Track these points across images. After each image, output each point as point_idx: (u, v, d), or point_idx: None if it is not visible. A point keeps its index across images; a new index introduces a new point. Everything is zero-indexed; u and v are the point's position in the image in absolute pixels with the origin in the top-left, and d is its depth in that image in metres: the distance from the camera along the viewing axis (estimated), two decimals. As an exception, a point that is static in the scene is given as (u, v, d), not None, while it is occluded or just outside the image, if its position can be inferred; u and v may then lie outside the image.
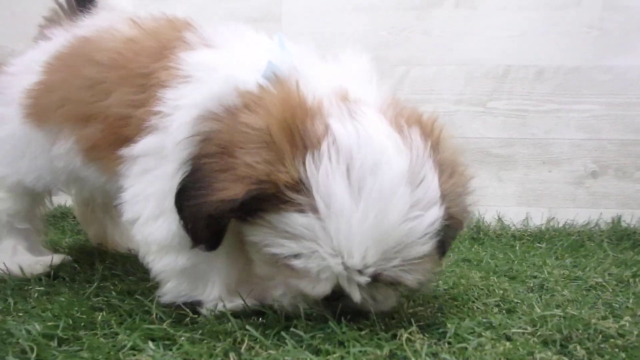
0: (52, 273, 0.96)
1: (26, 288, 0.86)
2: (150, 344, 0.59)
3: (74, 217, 1.57)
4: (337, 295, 0.64)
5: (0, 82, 0.97)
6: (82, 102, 0.79)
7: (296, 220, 0.57)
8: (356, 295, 0.62)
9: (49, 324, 0.66)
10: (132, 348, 0.59)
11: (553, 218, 1.62)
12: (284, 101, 0.61)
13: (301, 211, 0.57)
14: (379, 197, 0.57)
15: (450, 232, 0.66)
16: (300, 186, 0.58)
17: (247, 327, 0.64)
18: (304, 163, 0.58)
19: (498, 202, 1.67)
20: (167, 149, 0.67)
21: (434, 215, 0.60)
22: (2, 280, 0.92)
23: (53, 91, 0.84)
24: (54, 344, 0.60)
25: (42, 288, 0.85)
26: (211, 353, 0.58)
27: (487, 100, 1.66)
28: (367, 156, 0.58)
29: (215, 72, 0.68)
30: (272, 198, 0.58)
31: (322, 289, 0.62)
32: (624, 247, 1.40)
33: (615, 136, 1.62)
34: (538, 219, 1.63)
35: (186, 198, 0.62)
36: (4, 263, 0.95)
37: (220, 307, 0.71)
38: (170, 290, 0.72)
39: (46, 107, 0.85)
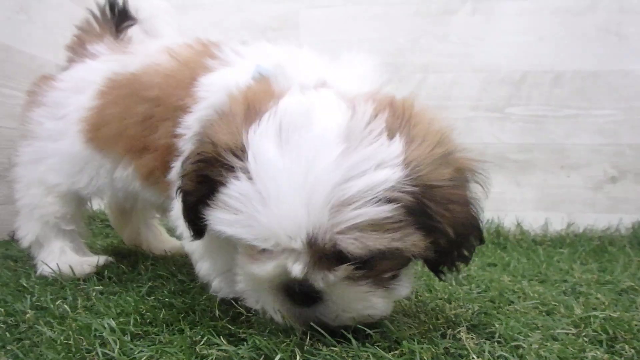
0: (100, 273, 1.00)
1: (82, 287, 0.90)
2: (222, 338, 0.61)
3: (101, 220, 1.61)
4: (302, 294, 0.59)
5: (51, 97, 1.04)
6: (137, 136, 0.88)
7: (234, 188, 0.57)
8: (296, 269, 0.56)
9: (121, 319, 0.69)
10: (205, 343, 0.61)
11: (573, 223, 1.62)
12: (253, 89, 0.67)
13: (237, 177, 0.57)
14: (307, 149, 0.55)
15: (435, 204, 0.58)
16: (240, 152, 0.59)
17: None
18: (248, 132, 0.59)
19: (517, 207, 1.67)
20: None
21: (383, 176, 0.54)
22: (54, 280, 0.96)
23: (111, 123, 0.92)
24: (127, 338, 0.63)
25: (99, 287, 0.89)
26: (279, 348, 0.58)
27: (505, 105, 1.67)
28: (299, 115, 0.58)
29: (216, 87, 0.76)
30: (214, 162, 0.60)
31: (272, 266, 0.58)
32: (647, 251, 1.39)
33: (634, 141, 1.63)
34: (557, 224, 1.63)
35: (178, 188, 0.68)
36: (57, 264, 0.99)
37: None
38: (217, 289, 0.79)
39: (107, 138, 0.93)
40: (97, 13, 1.10)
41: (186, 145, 0.76)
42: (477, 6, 1.66)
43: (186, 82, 0.82)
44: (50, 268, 0.99)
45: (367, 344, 0.59)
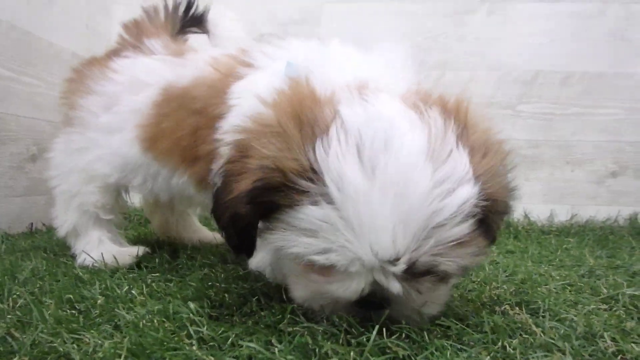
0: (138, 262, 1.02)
1: (131, 276, 0.91)
2: (302, 316, 0.64)
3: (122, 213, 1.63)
4: (377, 301, 0.59)
5: (106, 88, 1.03)
6: (190, 146, 0.89)
7: (311, 213, 0.54)
8: (396, 287, 0.56)
9: (195, 303, 0.71)
10: (286, 322, 0.63)
11: (576, 214, 1.72)
12: (293, 95, 0.62)
13: (315, 202, 0.54)
14: (396, 174, 0.52)
15: (494, 215, 0.61)
16: (311, 174, 0.54)
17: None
18: (314, 150, 0.55)
19: (525, 200, 1.76)
20: None
21: (466, 193, 0.54)
22: (100, 270, 0.97)
23: (167, 137, 0.93)
24: (205, 321, 0.65)
25: (156, 274, 0.91)
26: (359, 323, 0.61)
27: (517, 103, 1.76)
28: (377, 133, 0.54)
29: (246, 93, 0.75)
30: (282, 188, 0.56)
31: (355, 287, 0.57)
32: (645, 240, 1.50)
33: (634, 138, 1.74)
34: (562, 216, 1.74)
35: (216, 206, 0.63)
36: (101, 253, 1.00)
37: None
38: (271, 277, 0.82)
39: (164, 150, 0.94)
40: (170, 5, 1.10)
41: (222, 151, 0.74)
42: (493, 8, 1.74)
43: (223, 91, 0.82)
44: (92, 258, 1.00)
45: (441, 318, 0.65)
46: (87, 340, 0.58)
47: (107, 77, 1.03)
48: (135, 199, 1.71)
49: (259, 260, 0.82)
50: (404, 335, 0.59)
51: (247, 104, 0.70)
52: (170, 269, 0.99)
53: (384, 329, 0.58)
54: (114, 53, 1.08)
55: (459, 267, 0.57)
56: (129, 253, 1.03)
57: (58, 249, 1.16)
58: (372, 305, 0.59)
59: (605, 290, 0.86)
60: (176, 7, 1.11)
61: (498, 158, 0.62)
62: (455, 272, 0.57)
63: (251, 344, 0.55)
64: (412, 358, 0.55)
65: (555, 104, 1.74)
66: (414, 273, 0.56)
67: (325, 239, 0.54)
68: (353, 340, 0.58)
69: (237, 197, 0.58)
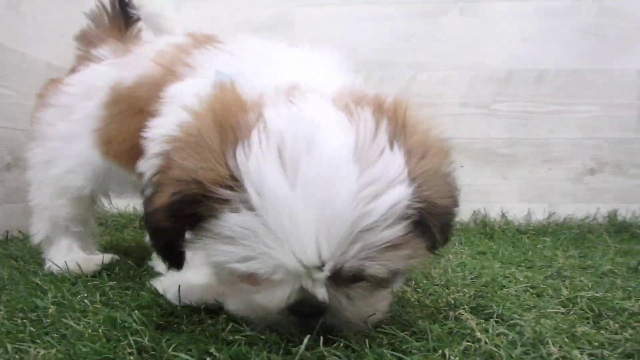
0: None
1: (94, 283, 0.92)
2: (245, 325, 0.63)
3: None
4: (307, 307, 0.56)
5: (60, 100, 1.05)
6: (136, 146, 0.84)
7: (232, 220, 0.52)
8: (322, 294, 0.54)
9: (143, 312, 0.71)
10: (229, 330, 0.63)
11: (554, 213, 1.71)
12: (217, 102, 0.59)
13: (235, 210, 0.52)
14: (319, 176, 0.50)
15: (433, 218, 0.59)
16: (232, 182, 0.52)
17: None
18: (234, 156, 0.53)
19: (502, 198, 1.76)
20: None
21: (396, 195, 0.52)
22: (64, 278, 0.97)
23: (116, 139, 0.92)
24: (149, 330, 0.64)
25: (113, 282, 0.91)
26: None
27: (491, 102, 1.75)
28: (299, 133, 0.52)
29: (178, 99, 0.73)
30: (202, 199, 0.53)
31: (281, 295, 0.55)
32: (623, 238, 1.49)
33: (611, 135, 1.73)
34: (540, 214, 1.73)
35: (144, 218, 0.61)
36: (65, 261, 1.01)
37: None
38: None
39: (117, 153, 0.94)
40: (108, 6, 1.11)
41: (149, 152, 0.72)
42: (465, 8, 1.73)
43: (161, 88, 0.80)
44: (57, 265, 1.01)
45: (382, 326, 0.64)
46: (30, 351, 0.58)
47: (61, 91, 1.05)
48: (117, 204, 1.71)
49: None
50: (342, 345, 0.58)
51: (177, 111, 0.67)
52: (133, 276, 0.99)
53: (321, 338, 0.57)
54: (70, 72, 1.11)
55: (390, 271, 0.54)
56: (94, 261, 1.04)
57: (29, 256, 1.17)
58: (305, 314, 0.57)
59: (566, 293, 0.85)
60: (114, 4, 1.11)
61: (437, 160, 0.59)
62: (386, 276, 0.55)
63: (185, 355, 0.55)
64: (348, 368, 0.54)
65: (531, 102, 1.74)
66: (342, 279, 0.54)
67: (245, 246, 0.52)
68: (293, 349, 0.57)
69: (157, 211, 0.56)
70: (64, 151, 1.03)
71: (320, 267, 0.52)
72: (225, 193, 0.52)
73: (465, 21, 1.74)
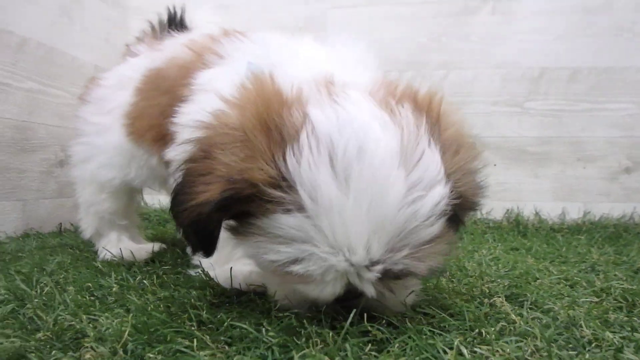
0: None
1: (146, 269, 0.99)
2: None
3: (140, 214, 1.72)
4: (352, 295, 0.59)
5: (96, 94, 1.13)
6: (159, 125, 0.90)
7: (284, 221, 0.53)
8: (370, 291, 0.56)
9: (198, 292, 0.77)
10: (278, 309, 0.68)
11: (589, 212, 1.70)
12: (257, 96, 0.59)
13: (287, 211, 0.53)
14: (370, 183, 0.52)
15: (462, 211, 0.61)
16: (283, 183, 0.53)
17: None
18: (284, 158, 0.53)
19: (535, 197, 1.75)
20: None
21: (438, 194, 0.54)
22: (119, 264, 1.05)
23: (141, 117, 0.97)
24: (206, 307, 0.70)
25: (167, 267, 0.98)
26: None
27: (524, 101, 1.75)
28: (349, 140, 0.52)
29: (211, 85, 0.75)
30: (254, 198, 0.54)
31: (331, 291, 0.57)
32: (660, 237, 1.47)
33: (647, 133, 1.71)
34: (574, 213, 1.71)
35: (176, 204, 0.61)
36: (120, 249, 1.08)
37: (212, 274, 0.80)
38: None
39: (140, 130, 0.98)
40: (156, 25, 1.19)
41: (179, 138, 0.74)
42: (496, 6, 1.74)
43: (192, 73, 0.82)
44: (112, 253, 1.08)
45: (421, 306, 0.69)
46: (101, 320, 0.65)
47: (97, 86, 1.12)
48: (154, 200, 1.80)
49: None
50: (384, 321, 0.62)
51: (209, 97, 0.68)
52: (182, 264, 1.04)
53: (365, 315, 0.61)
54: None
55: (430, 269, 0.57)
56: (145, 249, 1.11)
57: (83, 246, 1.26)
58: (349, 301, 0.60)
59: (599, 284, 0.87)
60: (162, 23, 1.18)
61: (469, 155, 0.61)
62: (428, 274, 0.58)
63: (243, 325, 0.60)
64: (390, 341, 0.58)
65: (564, 100, 1.73)
66: (388, 277, 0.56)
67: (299, 248, 0.53)
68: (337, 325, 0.61)
69: (202, 204, 0.56)
70: (97, 144, 1.08)
71: (369, 267, 0.54)
72: (276, 194, 0.53)
73: (497, 19, 1.75)
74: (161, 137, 0.91)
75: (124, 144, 1.03)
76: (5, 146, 1.42)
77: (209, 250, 0.63)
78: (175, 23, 1.18)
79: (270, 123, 0.55)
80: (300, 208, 0.52)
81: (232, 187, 0.55)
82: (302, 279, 0.57)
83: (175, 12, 1.19)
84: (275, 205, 0.53)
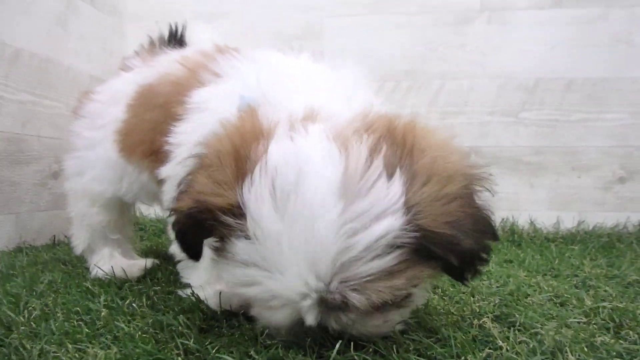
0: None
1: (137, 288, 0.98)
2: None
3: (135, 224, 1.71)
4: (306, 329, 0.59)
5: (89, 108, 1.13)
6: (150, 141, 0.91)
7: (238, 246, 0.56)
8: (310, 319, 0.57)
9: (188, 316, 0.77)
10: (266, 335, 0.68)
11: (583, 221, 1.71)
12: (238, 128, 0.63)
13: (239, 237, 0.56)
14: (304, 214, 0.53)
15: (437, 246, 0.56)
16: (240, 211, 0.56)
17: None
18: (242, 187, 0.57)
19: (530, 206, 1.76)
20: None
21: (383, 227, 0.52)
22: (110, 282, 1.04)
23: (132, 132, 0.97)
24: (194, 333, 0.70)
25: (157, 287, 0.97)
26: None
27: (519, 111, 1.76)
28: (290, 171, 0.54)
29: (206, 105, 0.78)
30: (211, 221, 0.58)
31: (280, 317, 0.59)
32: (653, 248, 1.48)
33: (642, 143, 1.71)
34: (568, 223, 1.72)
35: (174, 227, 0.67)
36: (111, 266, 1.08)
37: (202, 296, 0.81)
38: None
39: (131, 146, 0.99)
40: (156, 40, 1.19)
41: (175, 156, 0.79)
42: (492, 16, 1.75)
43: (186, 90, 0.83)
44: (104, 271, 1.07)
45: (409, 332, 0.69)
46: (88, 351, 0.64)
47: (90, 100, 1.12)
48: (150, 211, 1.80)
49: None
50: (371, 350, 0.63)
51: (205, 116, 0.72)
52: (174, 281, 1.04)
53: (352, 343, 0.61)
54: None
55: (374, 302, 0.55)
56: (138, 266, 1.10)
57: (76, 261, 1.25)
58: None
59: (589, 303, 0.87)
60: (162, 38, 1.18)
61: (442, 184, 0.56)
62: (366, 307, 0.55)
63: (228, 357, 0.61)
64: (375, 370, 0.59)
65: (559, 111, 1.74)
66: (332, 306, 0.56)
67: (248, 272, 0.56)
68: (326, 353, 0.61)
69: (177, 211, 0.62)
70: (89, 159, 1.08)
71: (305, 296, 0.55)
72: (233, 221, 0.56)
73: (493, 29, 1.75)
74: (151, 153, 0.92)
75: (116, 160, 1.04)
76: (-1, 159, 1.41)
77: (194, 255, 0.68)
78: (175, 39, 1.17)
79: (241, 154, 0.59)
80: (249, 235, 0.56)
81: (196, 207, 0.60)
82: (260, 304, 0.61)
83: (176, 29, 1.19)
84: (233, 230, 0.57)
